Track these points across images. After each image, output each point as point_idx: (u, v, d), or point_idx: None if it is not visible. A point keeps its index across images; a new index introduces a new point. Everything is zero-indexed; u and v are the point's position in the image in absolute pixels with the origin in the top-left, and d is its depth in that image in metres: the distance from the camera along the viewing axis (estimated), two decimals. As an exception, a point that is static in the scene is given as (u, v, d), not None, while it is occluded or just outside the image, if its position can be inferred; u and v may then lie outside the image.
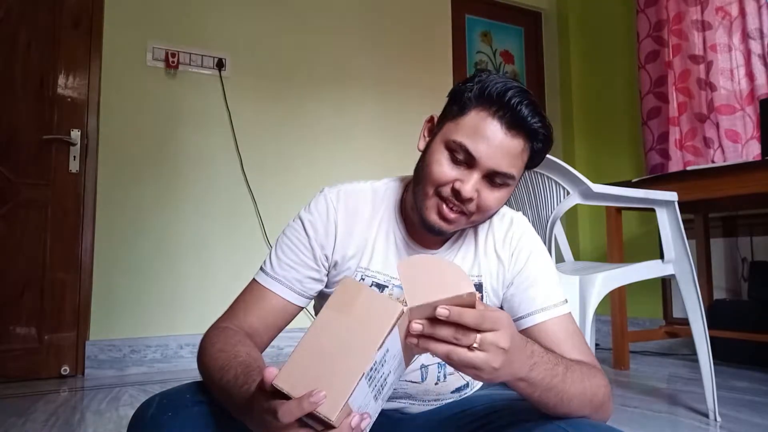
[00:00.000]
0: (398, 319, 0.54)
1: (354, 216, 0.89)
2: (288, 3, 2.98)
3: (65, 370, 2.41)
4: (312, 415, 0.51)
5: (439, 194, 0.79)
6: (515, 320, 0.88)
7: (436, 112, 0.86)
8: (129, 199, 2.57)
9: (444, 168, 0.78)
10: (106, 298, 2.49)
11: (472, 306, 0.57)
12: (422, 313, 0.56)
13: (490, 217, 0.85)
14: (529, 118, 0.75)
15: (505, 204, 0.97)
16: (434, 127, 0.84)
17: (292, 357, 0.54)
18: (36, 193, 2.44)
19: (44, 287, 2.41)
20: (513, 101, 0.75)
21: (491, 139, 0.75)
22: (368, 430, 0.55)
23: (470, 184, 0.77)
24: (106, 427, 1.66)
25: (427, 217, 0.81)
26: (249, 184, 2.79)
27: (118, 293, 2.51)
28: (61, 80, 2.51)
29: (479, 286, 0.90)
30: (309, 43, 3.02)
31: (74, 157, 2.50)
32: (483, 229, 0.91)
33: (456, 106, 0.80)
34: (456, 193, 0.77)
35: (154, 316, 2.57)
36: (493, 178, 0.78)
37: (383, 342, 0.53)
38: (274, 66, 2.92)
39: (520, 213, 0.95)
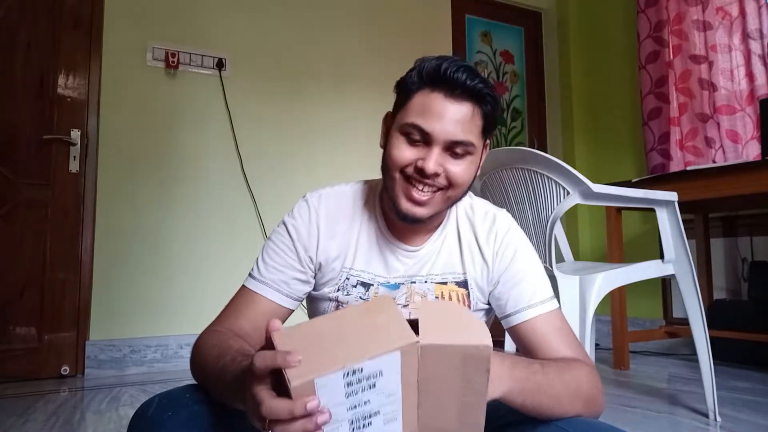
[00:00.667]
0: (405, 346, 0.53)
1: (335, 218, 0.91)
2: (288, 3, 2.98)
3: (65, 370, 2.41)
4: (284, 383, 0.51)
5: (405, 176, 0.81)
6: (503, 318, 0.89)
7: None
8: (129, 199, 2.57)
9: (403, 151, 0.80)
10: (106, 298, 2.49)
11: (487, 360, 0.55)
12: (435, 355, 0.54)
13: (465, 193, 0.86)
14: (468, 82, 0.77)
15: (502, 207, 0.98)
16: (390, 123, 0.87)
17: (300, 326, 0.56)
18: (36, 193, 2.44)
19: (44, 287, 2.41)
20: (449, 71, 0.77)
21: (440, 111, 0.78)
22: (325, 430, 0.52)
23: (432, 159, 0.78)
24: (106, 427, 1.66)
25: (400, 205, 0.82)
26: (249, 184, 2.79)
27: (118, 293, 2.51)
28: (61, 80, 2.51)
29: (464, 284, 0.90)
30: (309, 43, 3.01)
31: (74, 157, 2.50)
32: (465, 226, 0.92)
33: (402, 95, 0.83)
34: (420, 171, 0.79)
35: (154, 315, 2.57)
36: (453, 148, 0.79)
37: (379, 355, 0.52)
38: (274, 66, 2.92)
39: (504, 210, 0.95)
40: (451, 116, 0.78)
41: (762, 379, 2.24)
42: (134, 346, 2.51)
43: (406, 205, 0.81)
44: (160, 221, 2.62)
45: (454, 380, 0.56)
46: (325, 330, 0.55)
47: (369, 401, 0.54)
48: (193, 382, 0.79)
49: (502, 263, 0.89)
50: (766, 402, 1.88)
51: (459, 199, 0.87)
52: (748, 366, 2.47)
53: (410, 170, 0.80)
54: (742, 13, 2.68)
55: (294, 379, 0.50)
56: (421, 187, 0.80)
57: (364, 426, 0.54)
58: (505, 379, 0.66)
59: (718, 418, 1.67)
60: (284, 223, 0.92)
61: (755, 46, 2.62)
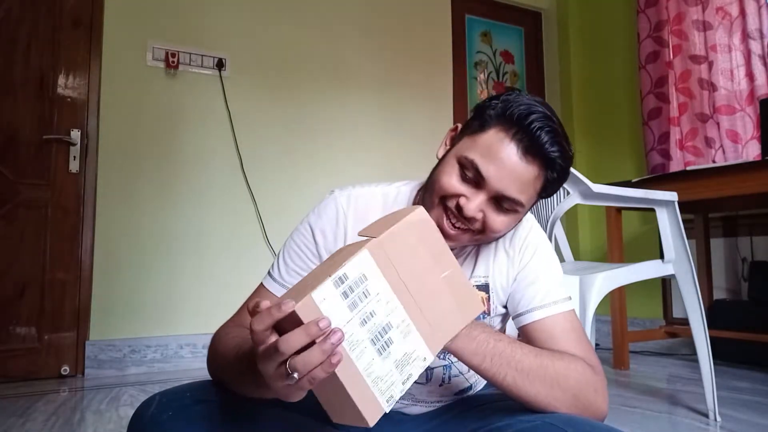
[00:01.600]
0: (368, 245, 0.59)
1: (363, 222, 0.88)
2: (288, 3, 2.98)
3: (65, 370, 2.41)
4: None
5: (444, 205, 0.78)
6: (516, 317, 0.88)
7: (461, 121, 0.86)
8: (129, 199, 2.57)
9: (452, 180, 0.77)
10: (106, 298, 2.49)
11: (428, 220, 0.66)
12: (394, 245, 0.62)
13: (496, 239, 0.83)
14: (547, 146, 0.73)
15: None
16: (455, 137, 0.83)
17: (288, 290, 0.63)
18: (36, 193, 2.44)
19: (44, 287, 2.41)
20: (534, 125, 0.73)
21: (504, 161, 0.73)
22: (345, 349, 0.54)
23: (475, 203, 0.75)
24: (106, 427, 1.66)
25: None
26: (249, 184, 2.79)
27: (118, 293, 2.51)
28: (61, 80, 2.51)
29: (485, 287, 0.89)
30: (309, 42, 3.02)
31: (74, 157, 2.50)
32: None
33: (477, 121, 0.78)
34: (459, 209, 0.76)
35: (154, 316, 2.57)
36: (500, 201, 0.76)
37: (352, 258, 0.57)
38: (274, 66, 2.92)
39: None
40: (513, 171, 0.74)
41: (762, 379, 2.24)
42: (134, 346, 2.51)
43: None
44: (160, 221, 2.61)
45: (426, 259, 0.64)
46: (306, 277, 0.65)
47: (374, 312, 0.58)
48: (194, 380, 0.79)
49: (522, 261, 0.89)
50: (766, 402, 1.88)
51: (489, 242, 0.85)
52: (748, 366, 2.46)
53: (451, 203, 0.77)
54: (742, 13, 2.68)
55: (291, 305, 0.53)
56: (454, 222, 0.78)
57: (386, 344, 0.58)
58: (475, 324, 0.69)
59: (718, 418, 1.67)
60: (309, 224, 0.89)
61: (755, 46, 2.62)
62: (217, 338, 0.80)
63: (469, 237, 0.80)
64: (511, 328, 0.94)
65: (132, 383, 2.27)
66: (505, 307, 0.91)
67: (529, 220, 0.92)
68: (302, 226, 0.90)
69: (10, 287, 2.36)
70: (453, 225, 0.78)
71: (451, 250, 0.84)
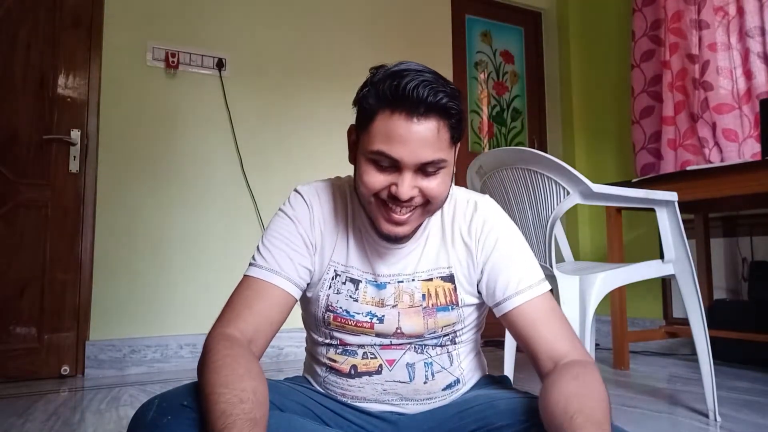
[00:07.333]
0: None
1: (327, 210, 0.92)
2: (288, 3, 2.98)
3: (65, 370, 2.41)
4: None
5: (380, 200, 0.80)
6: (494, 307, 0.88)
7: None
8: (129, 199, 2.57)
9: (374, 177, 0.79)
10: (106, 298, 2.49)
11: None
12: None
13: (445, 200, 0.85)
14: (430, 98, 0.74)
15: (501, 206, 0.97)
16: (355, 139, 0.84)
17: None
18: (36, 193, 2.44)
19: (44, 287, 2.41)
20: (408, 87, 0.73)
21: (404, 136, 0.74)
22: None
23: (405, 185, 0.77)
24: (106, 427, 1.66)
25: (380, 227, 0.82)
26: (249, 185, 2.79)
27: (118, 293, 2.51)
28: (61, 80, 2.51)
29: (450, 278, 0.89)
30: (309, 43, 3.02)
31: (74, 157, 2.50)
32: (448, 217, 0.92)
33: (362, 115, 0.80)
34: (394, 197, 0.78)
35: (155, 316, 2.57)
36: (425, 168, 0.78)
37: None
38: (274, 66, 2.92)
39: (486, 196, 0.95)
40: (417, 139, 0.75)
41: (762, 379, 2.24)
42: (134, 346, 2.51)
43: (386, 227, 0.82)
44: (160, 221, 2.61)
45: None
46: None
47: None
48: (194, 381, 0.78)
49: (485, 251, 0.89)
50: (766, 402, 1.88)
51: (439, 208, 0.86)
52: (748, 366, 2.46)
53: (384, 195, 0.79)
54: (740, 12, 2.67)
55: None
56: (398, 210, 0.80)
57: None
58: None
59: (718, 418, 1.67)
60: (284, 212, 0.92)
61: (753, 45, 2.62)
62: (208, 360, 0.72)
63: (419, 213, 0.82)
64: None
65: (132, 383, 2.28)
66: (480, 298, 0.91)
67: (486, 207, 0.92)
68: (277, 217, 0.92)
69: (10, 287, 2.36)
70: (400, 212, 0.80)
71: (410, 235, 0.85)
